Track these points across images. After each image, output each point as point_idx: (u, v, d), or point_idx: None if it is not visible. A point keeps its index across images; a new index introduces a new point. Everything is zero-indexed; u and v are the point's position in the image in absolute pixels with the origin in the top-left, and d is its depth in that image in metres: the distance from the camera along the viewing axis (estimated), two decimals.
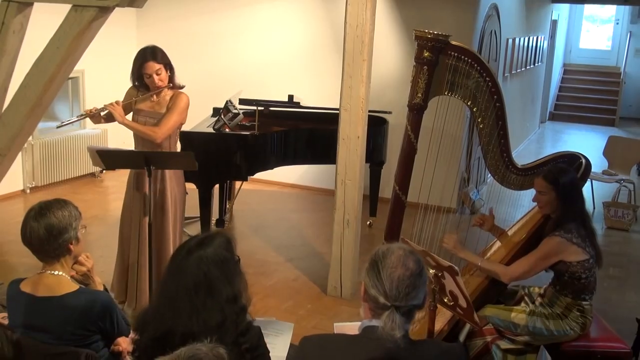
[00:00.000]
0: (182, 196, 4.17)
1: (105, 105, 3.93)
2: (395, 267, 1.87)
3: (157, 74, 3.92)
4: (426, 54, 3.45)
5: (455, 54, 3.44)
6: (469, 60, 3.44)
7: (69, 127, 7.44)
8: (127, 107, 4.07)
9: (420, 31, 3.46)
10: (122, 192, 4.32)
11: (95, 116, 3.98)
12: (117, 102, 3.94)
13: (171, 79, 4.04)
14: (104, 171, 7.70)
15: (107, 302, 2.41)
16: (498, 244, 3.61)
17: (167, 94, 4.04)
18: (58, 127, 4.21)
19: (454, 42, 3.47)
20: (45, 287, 2.37)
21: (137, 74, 4.00)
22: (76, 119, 4.22)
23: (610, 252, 5.92)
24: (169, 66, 4.00)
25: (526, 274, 3.25)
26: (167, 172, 4.03)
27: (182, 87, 4.09)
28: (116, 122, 4.02)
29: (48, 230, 2.34)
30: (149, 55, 3.93)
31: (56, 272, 2.40)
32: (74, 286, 2.39)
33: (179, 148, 4.38)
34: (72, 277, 2.48)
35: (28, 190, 6.94)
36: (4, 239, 5.70)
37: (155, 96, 4.05)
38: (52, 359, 2.16)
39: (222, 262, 2.04)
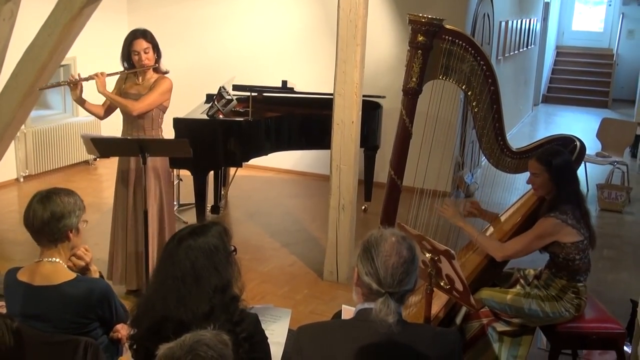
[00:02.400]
0: (167, 186, 4.27)
1: (90, 75, 4.01)
2: (389, 255, 1.88)
3: (145, 53, 4.04)
4: (420, 38, 3.43)
5: (450, 38, 3.42)
6: (463, 44, 3.42)
7: (62, 115, 7.46)
8: (115, 92, 4.18)
9: (414, 15, 3.44)
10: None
11: (77, 86, 3.99)
12: (102, 73, 4.02)
13: (157, 62, 4.15)
14: (97, 159, 7.67)
15: (105, 290, 2.42)
16: (492, 228, 3.62)
17: (152, 77, 4.15)
18: (40, 89, 4.28)
19: (448, 26, 3.45)
20: (43, 275, 2.37)
21: (126, 53, 4.10)
22: (57, 83, 4.35)
23: (604, 233, 5.96)
24: (156, 48, 4.13)
25: (519, 253, 3.27)
26: (149, 168, 4.06)
27: (166, 73, 4.20)
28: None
29: (51, 212, 2.35)
30: (139, 33, 4.08)
31: (53, 259, 2.40)
32: (71, 275, 2.39)
33: (167, 133, 4.40)
34: (68, 267, 2.48)
35: (21, 179, 6.91)
36: None
37: (140, 78, 4.15)
38: (52, 347, 2.17)
39: (211, 251, 2.04)
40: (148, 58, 4.06)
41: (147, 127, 4.14)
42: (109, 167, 7.48)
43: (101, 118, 4.29)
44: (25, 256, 4.99)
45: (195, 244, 2.03)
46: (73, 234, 2.42)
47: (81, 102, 4.09)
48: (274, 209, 6.43)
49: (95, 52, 7.33)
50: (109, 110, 4.25)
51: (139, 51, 4.03)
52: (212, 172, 5.76)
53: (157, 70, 4.15)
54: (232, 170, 6.53)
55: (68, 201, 2.39)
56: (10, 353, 1.60)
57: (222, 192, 6.30)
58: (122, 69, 4.17)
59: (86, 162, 7.63)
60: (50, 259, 2.40)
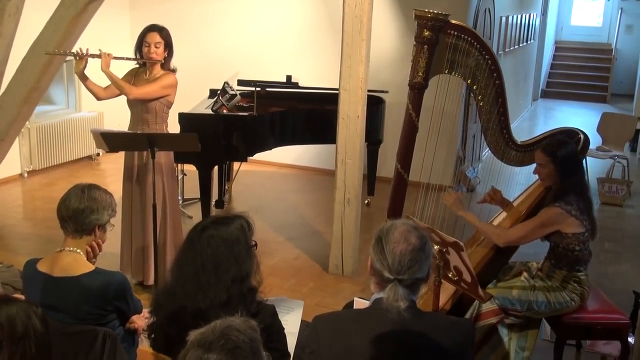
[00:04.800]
0: (171, 182, 4.32)
1: (97, 53, 4.04)
2: (397, 242, 1.93)
3: (156, 47, 4.09)
4: (426, 33, 3.47)
5: (455, 33, 3.45)
6: (469, 38, 3.46)
7: (65, 111, 7.47)
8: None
9: (420, 10, 3.47)
10: (119, 174, 4.43)
11: (83, 60, 4.03)
12: (109, 54, 4.05)
13: (167, 60, 4.19)
14: (100, 154, 7.70)
15: (122, 283, 2.47)
16: (502, 216, 3.66)
17: (159, 73, 4.18)
18: (47, 53, 4.29)
19: (453, 21, 3.48)
20: (62, 267, 2.41)
21: (138, 43, 4.15)
22: (64, 52, 4.34)
23: (605, 227, 6.01)
24: (169, 46, 4.16)
25: (522, 239, 3.32)
26: (156, 164, 4.11)
27: (174, 71, 4.23)
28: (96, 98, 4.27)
29: (87, 203, 2.43)
30: (156, 27, 4.14)
31: (74, 249, 2.45)
32: (90, 266, 2.44)
33: (171, 128, 4.44)
34: None
35: (26, 174, 6.93)
36: (3, 222, 5.72)
37: (147, 73, 4.19)
38: (71, 337, 2.19)
39: (232, 242, 2.09)
40: (157, 53, 4.09)
41: (152, 122, 4.18)
42: (113, 162, 7.51)
43: (98, 99, 4.27)
44: (30, 250, 5.03)
45: (218, 233, 2.08)
46: (99, 231, 2.49)
47: (83, 77, 4.09)
48: (278, 203, 6.46)
49: (98, 48, 7.35)
50: (109, 93, 4.24)
51: (150, 43, 4.07)
52: (216, 167, 5.79)
53: (164, 67, 4.18)
54: (235, 164, 6.56)
55: (105, 198, 2.48)
56: (42, 339, 1.64)
57: (226, 187, 6.33)
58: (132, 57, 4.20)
59: (89, 158, 7.65)
60: (71, 249, 2.45)
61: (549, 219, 3.20)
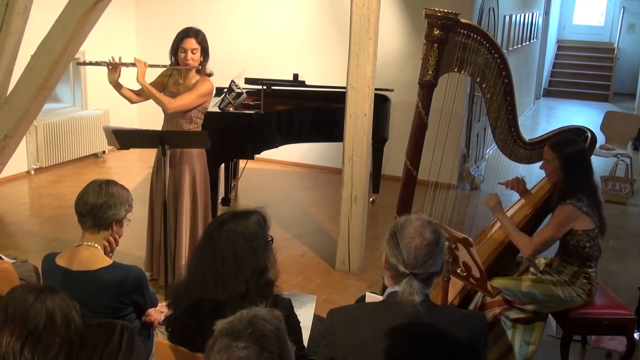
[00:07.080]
0: (203, 177, 4.27)
1: (135, 59, 3.99)
2: (412, 237, 1.97)
3: (192, 53, 4.04)
4: (436, 32, 3.50)
5: (465, 32, 3.49)
6: (478, 37, 3.50)
7: (71, 109, 7.51)
8: (159, 85, 4.16)
9: (430, 9, 3.50)
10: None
11: (116, 69, 3.96)
12: (144, 63, 3.99)
13: (203, 65, 4.15)
14: (106, 152, 7.73)
15: (140, 276, 2.51)
16: (512, 210, 3.69)
17: (194, 77, 4.14)
18: (78, 64, 4.24)
19: (463, 20, 3.52)
20: (81, 261, 2.46)
21: (174, 48, 4.09)
22: (96, 62, 4.15)
23: (609, 224, 5.90)
24: (205, 51, 4.13)
25: (546, 244, 3.32)
26: (186, 156, 4.09)
27: (210, 75, 4.19)
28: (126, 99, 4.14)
29: (105, 199, 2.47)
30: (192, 32, 4.09)
31: (92, 244, 2.49)
32: (108, 261, 2.49)
33: None
34: None
35: (32, 172, 6.96)
36: (12, 219, 5.76)
37: (183, 78, 4.14)
38: (89, 330, 2.22)
39: (251, 236, 2.15)
40: (194, 59, 4.04)
41: (185, 126, 4.13)
42: (118, 160, 7.56)
43: (132, 102, 4.24)
44: (40, 247, 5.06)
45: (237, 227, 2.13)
46: (116, 226, 2.53)
47: (118, 86, 4.03)
48: (283, 201, 6.50)
49: (104, 46, 7.37)
50: (144, 97, 4.19)
51: (187, 49, 4.01)
52: (222, 165, 5.81)
53: (200, 72, 4.13)
54: (242, 162, 6.59)
55: (122, 194, 2.52)
56: (79, 331, 1.68)
57: (233, 184, 6.36)
58: (167, 63, 4.15)
59: (95, 155, 7.68)
60: (89, 244, 2.49)
61: (565, 218, 3.23)
